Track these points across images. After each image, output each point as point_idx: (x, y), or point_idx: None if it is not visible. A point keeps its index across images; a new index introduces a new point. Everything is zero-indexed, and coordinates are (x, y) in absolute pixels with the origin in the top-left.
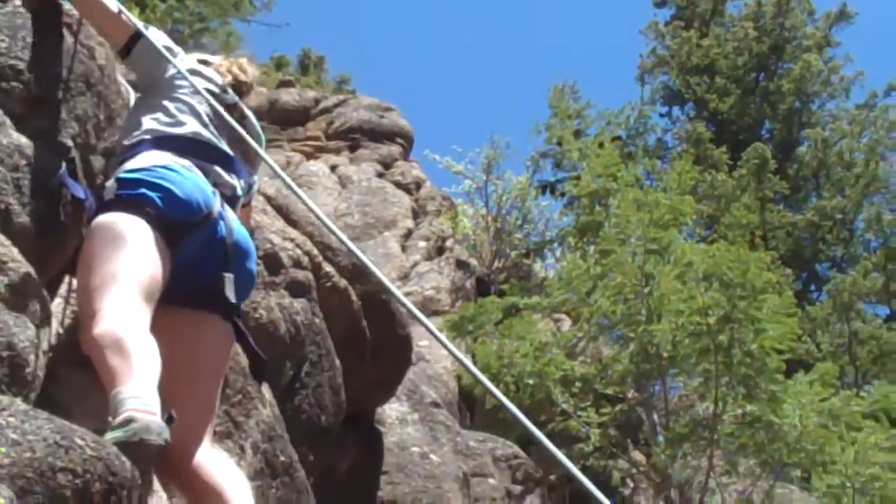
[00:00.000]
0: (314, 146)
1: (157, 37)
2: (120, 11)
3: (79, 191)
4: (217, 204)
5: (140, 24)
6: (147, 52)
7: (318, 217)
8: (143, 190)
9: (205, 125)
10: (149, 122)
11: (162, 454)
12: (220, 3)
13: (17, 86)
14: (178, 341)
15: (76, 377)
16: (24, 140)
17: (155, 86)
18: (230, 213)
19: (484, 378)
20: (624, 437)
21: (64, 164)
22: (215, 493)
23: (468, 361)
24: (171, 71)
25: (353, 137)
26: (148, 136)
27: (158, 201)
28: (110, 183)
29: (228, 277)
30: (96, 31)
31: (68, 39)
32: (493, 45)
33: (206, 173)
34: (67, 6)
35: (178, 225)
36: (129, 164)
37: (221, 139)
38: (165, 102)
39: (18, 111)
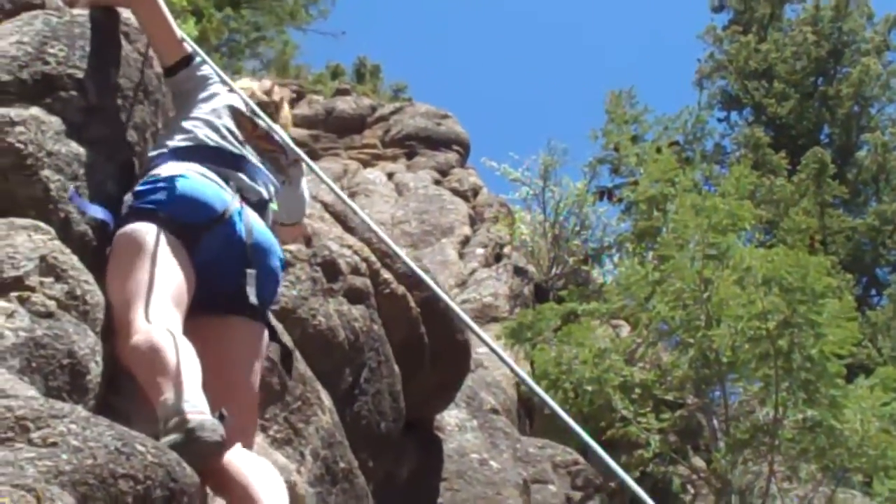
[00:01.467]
0: (371, 154)
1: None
2: (183, 40)
3: (96, 211)
4: (234, 204)
5: (199, 51)
6: (192, 78)
7: (371, 228)
8: (153, 197)
9: (223, 137)
10: (169, 140)
11: (222, 450)
12: (276, 12)
13: (75, 95)
14: (209, 347)
15: (134, 386)
16: (82, 149)
17: (182, 108)
18: (251, 214)
19: (529, 380)
20: (684, 444)
21: (71, 188)
22: (242, 487)
23: (516, 366)
24: (201, 95)
25: (410, 145)
26: (166, 150)
27: (168, 206)
28: (128, 196)
29: (250, 273)
30: (151, 43)
31: (126, 48)
32: (549, 51)
33: (227, 179)
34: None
35: (191, 227)
36: (148, 175)
37: (244, 150)
38: (184, 123)
39: (77, 120)
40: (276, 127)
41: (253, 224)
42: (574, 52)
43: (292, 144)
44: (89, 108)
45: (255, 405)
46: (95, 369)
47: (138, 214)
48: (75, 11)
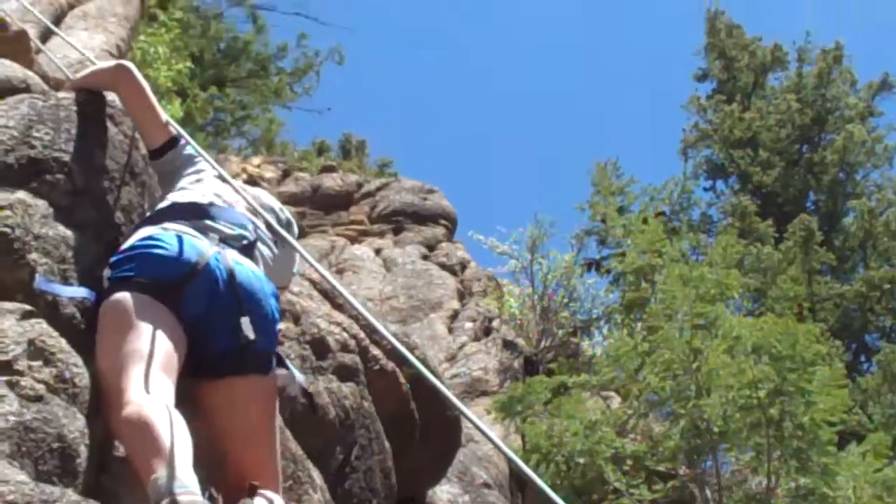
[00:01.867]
0: (358, 230)
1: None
2: (167, 122)
3: (73, 292)
4: (210, 252)
5: (184, 134)
6: (178, 157)
7: (352, 305)
8: (128, 266)
9: (200, 195)
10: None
11: None
12: (261, 91)
13: (61, 178)
14: (222, 412)
15: (125, 465)
16: (69, 232)
17: (167, 186)
18: (233, 255)
19: (514, 455)
20: None
21: (38, 278)
22: None
23: (501, 442)
24: (187, 170)
25: (397, 220)
26: (140, 219)
27: (142, 270)
28: (105, 271)
29: (244, 320)
30: (137, 126)
31: (112, 130)
32: (533, 124)
33: (205, 230)
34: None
35: (169, 285)
36: (119, 248)
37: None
38: (167, 195)
39: (64, 203)
40: (259, 198)
41: (235, 265)
42: (558, 124)
43: (279, 229)
44: (76, 190)
45: (276, 456)
46: (85, 452)
47: (116, 285)
48: (60, 95)
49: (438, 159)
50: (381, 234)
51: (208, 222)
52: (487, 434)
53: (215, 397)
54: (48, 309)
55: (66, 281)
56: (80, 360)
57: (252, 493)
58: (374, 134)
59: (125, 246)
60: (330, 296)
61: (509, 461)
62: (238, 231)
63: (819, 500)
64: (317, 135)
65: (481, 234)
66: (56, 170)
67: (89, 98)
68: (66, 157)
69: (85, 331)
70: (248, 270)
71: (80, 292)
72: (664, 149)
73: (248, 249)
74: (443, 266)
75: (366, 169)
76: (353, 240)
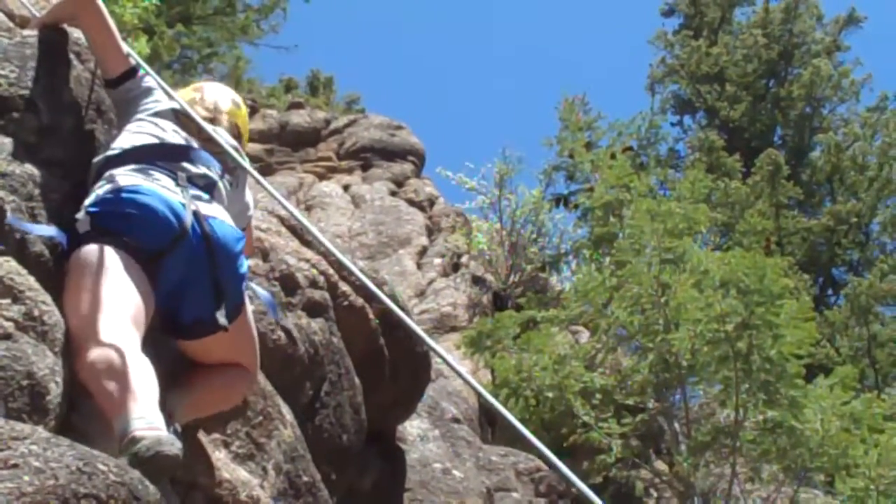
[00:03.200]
0: (326, 167)
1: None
2: (128, 54)
3: (43, 230)
4: (188, 213)
5: (144, 65)
6: (136, 87)
7: (320, 242)
8: (115, 221)
9: (165, 132)
10: (113, 146)
11: (178, 465)
12: (228, 28)
13: (28, 115)
14: (197, 356)
15: (94, 403)
16: (36, 170)
17: (125, 115)
18: (208, 209)
19: (485, 391)
20: (646, 448)
21: (9, 216)
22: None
23: (472, 378)
24: (143, 101)
25: (365, 157)
26: (109, 157)
27: (132, 231)
28: (82, 215)
29: (221, 313)
30: (95, 55)
31: (78, 67)
32: (502, 60)
33: (174, 171)
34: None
35: (156, 251)
36: (97, 192)
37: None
38: (127, 127)
39: (31, 140)
40: (220, 135)
41: (211, 221)
42: (527, 60)
43: (234, 154)
44: (42, 128)
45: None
46: (55, 390)
47: (97, 235)
48: (26, 32)
49: (406, 95)
50: (349, 171)
51: (175, 164)
52: (457, 370)
53: (188, 349)
54: (17, 247)
55: (34, 219)
56: (48, 298)
57: (176, 434)
58: (342, 70)
59: (103, 192)
60: (298, 232)
61: (479, 396)
62: (203, 170)
63: (787, 432)
64: (284, 72)
65: (449, 171)
66: (22, 107)
67: (55, 35)
68: (33, 95)
69: (53, 269)
70: (221, 223)
71: (50, 231)
72: (631, 84)
73: (210, 188)
74: (411, 202)
75: (333, 105)
76: (322, 176)
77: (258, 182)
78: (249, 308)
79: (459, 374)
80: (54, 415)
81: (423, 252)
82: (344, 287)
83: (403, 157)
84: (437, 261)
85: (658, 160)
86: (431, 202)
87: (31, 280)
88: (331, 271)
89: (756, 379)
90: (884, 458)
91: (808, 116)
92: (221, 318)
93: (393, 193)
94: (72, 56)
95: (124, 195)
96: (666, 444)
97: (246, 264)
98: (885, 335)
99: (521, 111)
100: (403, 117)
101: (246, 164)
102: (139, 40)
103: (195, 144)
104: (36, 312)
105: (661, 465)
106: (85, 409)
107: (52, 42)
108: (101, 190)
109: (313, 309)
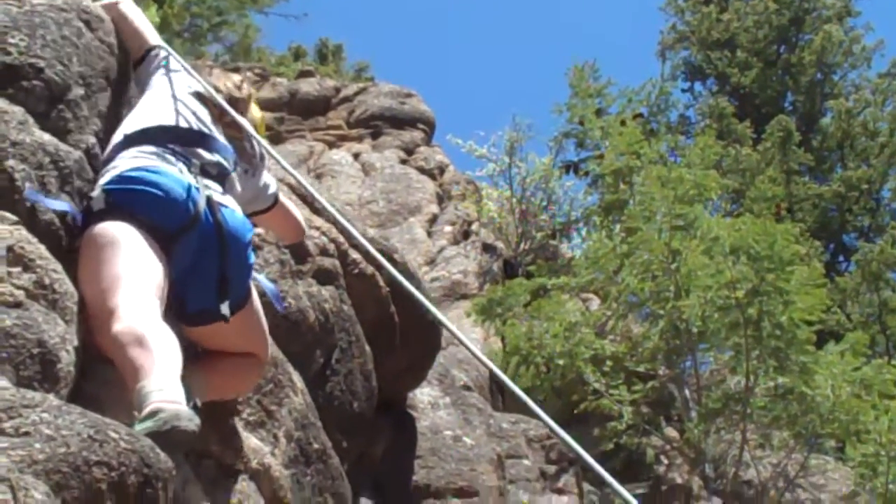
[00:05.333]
0: (336, 135)
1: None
2: (157, 44)
3: (57, 204)
4: (202, 200)
5: (162, 44)
6: (150, 65)
7: (332, 213)
8: (130, 200)
9: (181, 115)
10: (128, 124)
11: (194, 441)
12: None
13: (37, 84)
14: (202, 341)
15: (108, 372)
16: (46, 137)
17: (142, 91)
18: (220, 198)
19: (489, 361)
20: (656, 414)
21: (27, 187)
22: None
23: (475, 348)
24: (161, 78)
25: (375, 125)
26: (125, 137)
27: (148, 211)
28: (97, 193)
29: (225, 305)
30: (125, 38)
31: (87, 36)
32: (511, 26)
33: (188, 157)
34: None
35: (170, 233)
36: (112, 171)
37: (204, 127)
38: (143, 104)
39: (40, 109)
40: (241, 118)
41: (223, 210)
42: (536, 26)
43: (256, 135)
44: (52, 97)
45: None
46: (66, 357)
47: (112, 213)
48: (35, 1)
49: (416, 63)
50: (359, 139)
51: (190, 149)
52: (452, 329)
53: (193, 334)
54: (27, 215)
55: (44, 187)
56: (59, 267)
57: (195, 409)
58: (351, 38)
59: (119, 171)
60: (309, 200)
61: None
62: (216, 158)
63: (797, 398)
64: (293, 40)
65: (459, 138)
66: (32, 76)
67: (65, 4)
68: (42, 64)
69: (63, 238)
70: (232, 213)
71: (64, 206)
72: (642, 51)
73: (221, 177)
74: (421, 170)
75: (343, 73)
76: (332, 145)
77: (276, 160)
78: (256, 296)
79: (463, 343)
80: (65, 383)
81: (433, 220)
82: (354, 255)
83: (413, 125)
84: (448, 228)
85: (668, 127)
86: (441, 170)
87: (42, 248)
88: (341, 239)
89: (767, 345)
90: (894, 424)
91: (818, 83)
92: (225, 308)
93: (403, 161)
94: (81, 24)
95: (140, 174)
96: (676, 410)
97: (253, 255)
98: None
99: (532, 78)
100: (413, 85)
101: (265, 143)
102: (149, 9)
103: (212, 131)
104: (47, 281)
105: (671, 432)
106: (95, 376)
107: (62, 11)
108: (116, 169)
109: (324, 277)
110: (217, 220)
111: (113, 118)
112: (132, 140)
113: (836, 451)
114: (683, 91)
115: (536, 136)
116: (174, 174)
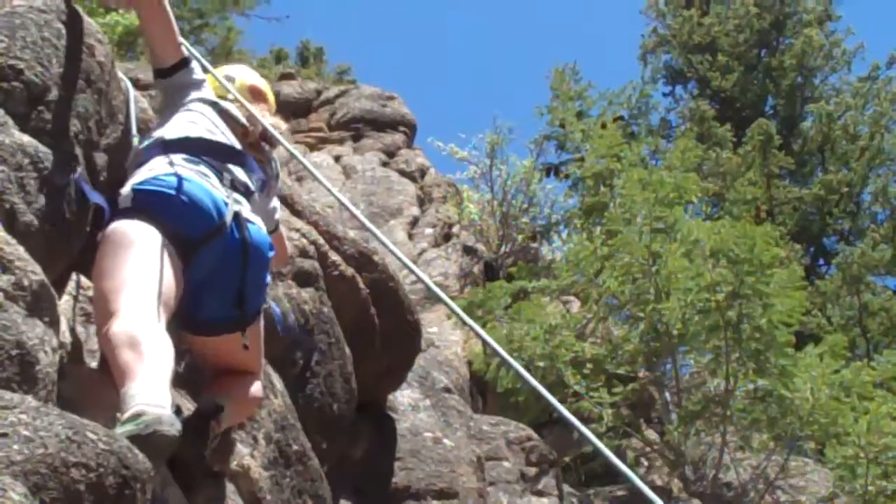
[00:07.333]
0: (317, 137)
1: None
2: (181, 44)
3: (96, 197)
4: (230, 212)
5: (199, 57)
6: (186, 78)
7: (364, 222)
8: (158, 203)
9: (219, 131)
10: (160, 132)
11: (174, 446)
12: None
13: (17, 85)
14: (209, 356)
15: (86, 374)
16: (26, 139)
17: (176, 103)
18: (246, 214)
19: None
20: (637, 417)
21: (78, 170)
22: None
23: (483, 331)
24: (196, 93)
25: (356, 127)
26: (161, 143)
27: (173, 216)
28: (126, 191)
29: (239, 317)
30: (151, 44)
31: (67, 38)
32: (493, 29)
33: (221, 172)
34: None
35: (193, 240)
36: (142, 173)
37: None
38: (179, 115)
39: (20, 110)
40: (269, 126)
41: (249, 226)
42: (518, 29)
43: (287, 145)
44: (32, 98)
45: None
46: (45, 359)
47: (141, 214)
48: (15, 3)
49: (397, 66)
50: (340, 142)
51: (226, 165)
52: (466, 319)
53: (202, 347)
54: (6, 217)
55: (23, 189)
56: (38, 268)
57: (178, 413)
58: (333, 41)
59: (152, 174)
60: (289, 202)
61: (470, 365)
62: (246, 177)
63: (777, 401)
64: (275, 42)
65: (441, 141)
66: (12, 77)
67: (45, 5)
68: (22, 65)
69: (43, 239)
70: (258, 230)
71: (100, 200)
72: (624, 54)
73: (248, 196)
74: (402, 173)
75: (324, 76)
76: (313, 147)
77: (307, 169)
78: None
79: (473, 329)
80: (44, 384)
81: (414, 222)
82: (334, 256)
83: (395, 128)
84: (429, 231)
85: (649, 130)
86: (423, 172)
87: (21, 250)
88: (321, 241)
89: (746, 348)
90: (874, 427)
91: (799, 86)
92: (239, 320)
93: (384, 164)
94: (61, 26)
95: (170, 180)
96: (656, 413)
97: (269, 276)
98: (877, 304)
99: (513, 81)
100: (395, 88)
101: (299, 156)
102: (130, 11)
103: (243, 149)
104: (25, 282)
105: (651, 434)
106: (74, 378)
107: (42, 13)
108: (150, 171)
109: (303, 278)
110: (243, 236)
111: (97, 119)
112: (170, 146)
113: (816, 453)
114: (664, 94)
115: (517, 139)
116: (204, 185)
